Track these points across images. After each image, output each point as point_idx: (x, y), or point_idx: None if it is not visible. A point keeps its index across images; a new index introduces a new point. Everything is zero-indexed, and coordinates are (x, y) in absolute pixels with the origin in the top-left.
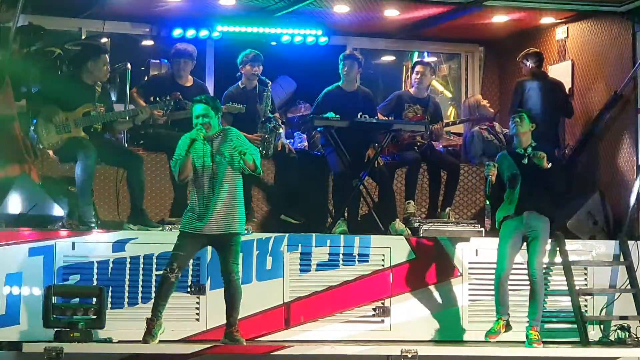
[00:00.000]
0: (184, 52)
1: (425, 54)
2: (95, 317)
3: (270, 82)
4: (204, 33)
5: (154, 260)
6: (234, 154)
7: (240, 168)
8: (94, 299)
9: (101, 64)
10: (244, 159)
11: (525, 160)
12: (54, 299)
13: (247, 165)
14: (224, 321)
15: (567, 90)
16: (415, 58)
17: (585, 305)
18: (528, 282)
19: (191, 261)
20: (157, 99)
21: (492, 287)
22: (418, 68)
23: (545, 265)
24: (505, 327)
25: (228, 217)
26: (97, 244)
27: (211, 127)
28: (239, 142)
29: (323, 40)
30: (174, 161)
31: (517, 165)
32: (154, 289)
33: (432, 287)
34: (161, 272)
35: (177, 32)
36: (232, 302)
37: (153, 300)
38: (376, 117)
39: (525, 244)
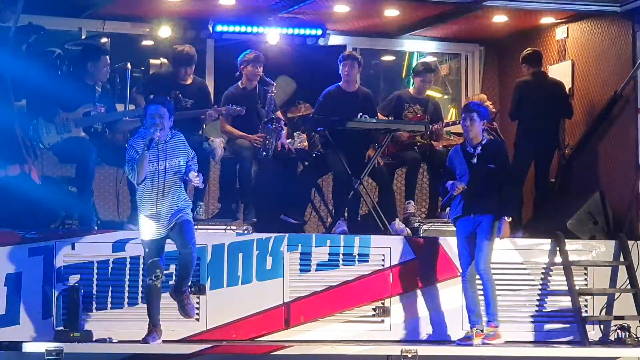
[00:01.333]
0: (188, 60)
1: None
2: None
3: (274, 84)
4: (204, 33)
5: None
6: (181, 162)
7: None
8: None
9: (102, 65)
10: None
11: (475, 160)
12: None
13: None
14: (224, 321)
15: (567, 91)
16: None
17: (585, 305)
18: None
19: None
20: None
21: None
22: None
23: (544, 265)
24: (481, 336)
25: (178, 211)
26: (97, 244)
27: (164, 129)
28: (187, 152)
29: (323, 40)
30: (129, 164)
31: (466, 164)
32: None
33: (432, 287)
34: (147, 280)
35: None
36: (184, 271)
37: (147, 309)
38: (376, 117)
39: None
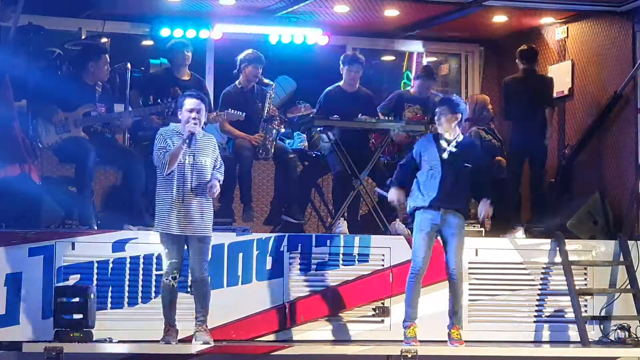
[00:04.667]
0: (184, 44)
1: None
2: (81, 315)
3: (273, 84)
4: (204, 33)
5: (154, 260)
6: (208, 162)
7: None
8: (78, 298)
9: (102, 65)
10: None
11: (446, 155)
12: (64, 299)
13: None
14: (224, 321)
15: (553, 83)
16: (415, 59)
17: (585, 305)
18: (448, 280)
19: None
20: (159, 100)
21: (492, 287)
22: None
23: (544, 265)
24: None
25: (205, 219)
26: (97, 244)
27: (201, 124)
28: (215, 155)
29: (323, 40)
30: (160, 153)
31: (439, 157)
32: (154, 288)
33: (432, 287)
34: (164, 280)
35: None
36: (204, 300)
37: (163, 310)
38: (376, 118)
39: (441, 240)
